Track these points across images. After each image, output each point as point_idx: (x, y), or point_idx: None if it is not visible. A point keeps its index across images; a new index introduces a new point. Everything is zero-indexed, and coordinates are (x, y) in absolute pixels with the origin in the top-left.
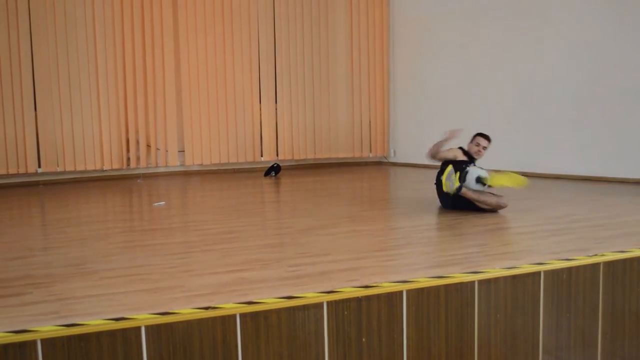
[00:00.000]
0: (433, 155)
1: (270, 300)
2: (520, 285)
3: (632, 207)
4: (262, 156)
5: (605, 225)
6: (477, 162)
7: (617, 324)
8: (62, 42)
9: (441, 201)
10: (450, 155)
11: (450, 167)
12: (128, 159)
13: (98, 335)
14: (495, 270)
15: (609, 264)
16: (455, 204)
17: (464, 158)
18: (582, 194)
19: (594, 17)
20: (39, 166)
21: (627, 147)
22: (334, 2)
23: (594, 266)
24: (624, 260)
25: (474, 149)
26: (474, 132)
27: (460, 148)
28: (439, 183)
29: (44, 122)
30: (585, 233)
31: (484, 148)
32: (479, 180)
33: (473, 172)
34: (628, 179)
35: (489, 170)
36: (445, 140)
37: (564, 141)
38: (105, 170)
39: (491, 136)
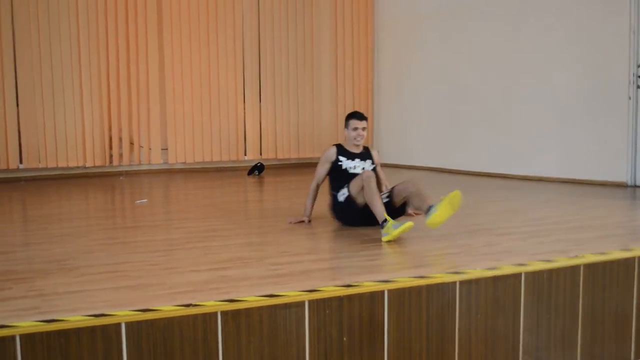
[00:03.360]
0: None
1: (251, 299)
2: (501, 286)
3: (613, 210)
4: (245, 155)
5: (586, 227)
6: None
7: (596, 325)
8: (45, 37)
9: (343, 219)
10: (326, 167)
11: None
12: (111, 156)
13: (78, 332)
14: (477, 271)
15: (589, 266)
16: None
17: (338, 157)
18: (564, 196)
19: (577, 20)
20: (21, 162)
21: (608, 150)
22: (318, 1)
23: (575, 268)
24: (604, 263)
25: (352, 135)
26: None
27: (336, 145)
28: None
29: (26, 117)
30: (566, 235)
31: (364, 129)
32: None
33: None
34: (608, 181)
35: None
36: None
37: (546, 143)
38: (88, 167)
39: (475, 137)
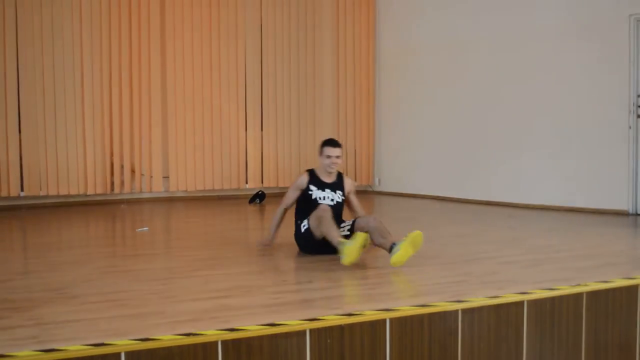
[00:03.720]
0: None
1: (252, 328)
2: (504, 315)
3: (614, 238)
4: (247, 183)
5: (588, 255)
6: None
7: (600, 354)
8: (48, 65)
9: (304, 248)
10: (296, 194)
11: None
12: (112, 184)
13: None
14: (479, 300)
15: (592, 294)
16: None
17: (309, 186)
18: (565, 224)
19: (578, 51)
20: (22, 190)
21: (609, 178)
22: (321, 31)
23: (577, 296)
24: (607, 291)
25: (325, 162)
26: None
27: (309, 171)
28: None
29: (28, 145)
30: (568, 263)
31: (338, 157)
32: None
33: None
34: (610, 209)
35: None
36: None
37: (548, 172)
38: (89, 195)
39: (476, 166)
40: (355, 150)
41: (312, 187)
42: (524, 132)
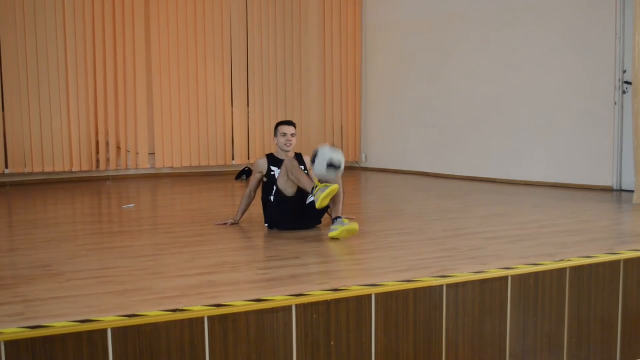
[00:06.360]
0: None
1: (238, 303)
2: (488, 290)
3: (599, 214)
4: (233, 159)
5: (572, 231)
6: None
7: (583, 328)
8: (31, 42)
9: (276, 221)
10: (257, 178)
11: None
12: (97, 160)
13: (63, 338)
14: (464, 275)
15: (576, 269)
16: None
17: (271, 167)
18: (551, 200)
19: (564, 26)
20: (6, 167)
21: (594, 155)
22: (307, 7)
23: (561, 271)
24: (590, 266)
25: (282, 142)
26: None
27: (267, 155)
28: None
29: (12, 122)
30: (553, 239)
31: (293, 135)
32: (331, 165)
33: (323, 153)
34: (595, 185)
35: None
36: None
37: (534, 148)
38: (74, 172)
39: (463, 142)
40: (342, 126)
41: (273, 168)
42: (509, 108)
